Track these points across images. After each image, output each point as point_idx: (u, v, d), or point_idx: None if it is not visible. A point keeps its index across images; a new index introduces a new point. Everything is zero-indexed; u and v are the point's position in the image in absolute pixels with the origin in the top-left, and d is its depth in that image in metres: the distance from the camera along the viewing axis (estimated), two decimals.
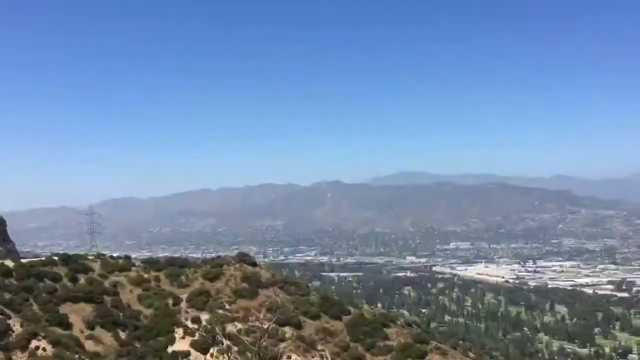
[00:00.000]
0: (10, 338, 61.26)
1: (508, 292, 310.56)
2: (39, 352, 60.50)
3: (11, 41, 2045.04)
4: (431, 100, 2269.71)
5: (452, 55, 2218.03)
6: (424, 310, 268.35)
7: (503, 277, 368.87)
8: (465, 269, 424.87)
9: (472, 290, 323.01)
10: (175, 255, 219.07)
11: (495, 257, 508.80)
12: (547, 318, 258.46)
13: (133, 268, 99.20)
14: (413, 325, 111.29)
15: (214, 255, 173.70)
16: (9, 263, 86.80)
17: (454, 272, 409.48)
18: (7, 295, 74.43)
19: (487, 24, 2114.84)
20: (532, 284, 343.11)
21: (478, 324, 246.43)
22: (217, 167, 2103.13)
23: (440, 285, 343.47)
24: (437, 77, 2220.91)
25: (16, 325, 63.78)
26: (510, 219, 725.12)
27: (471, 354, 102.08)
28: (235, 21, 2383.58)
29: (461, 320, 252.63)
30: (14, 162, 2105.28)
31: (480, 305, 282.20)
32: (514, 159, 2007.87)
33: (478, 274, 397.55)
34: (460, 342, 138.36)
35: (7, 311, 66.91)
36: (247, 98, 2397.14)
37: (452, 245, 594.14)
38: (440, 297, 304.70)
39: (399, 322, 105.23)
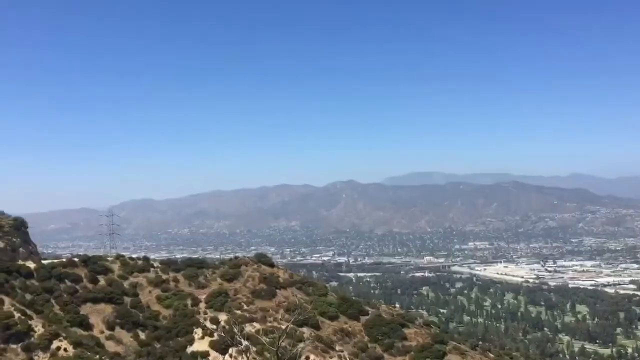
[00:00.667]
0: (32, 338, 62.01)
1: (528, 292, 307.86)
2: (60, 352, 61.17)
3: (21, 41, 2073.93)
4: (443, 99, 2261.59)
5: (466, 55, 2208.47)
6: (442, 311, 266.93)
7: (523, 277, 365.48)
8: (484, 269, 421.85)
9: (491, 290, 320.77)
10: (194, 256, 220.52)
11: (514, 256, 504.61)
12: (568, 318, 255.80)
13: (152, 269, 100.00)
14: (431, 326, 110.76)
15: (232, 256, 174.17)
16: (31, 264, 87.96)
17: (473, 272, 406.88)
18: (28, 296, 75.42)
19: (498, 22, 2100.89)
20: (552, 283, 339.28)
21: (497, 324, 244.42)
22: (232, 168, 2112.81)
23: (459, 285, 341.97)
24: (450, 77, 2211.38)
25: (38, 326, 64.55)
26: (529, 218, 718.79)
27: (490, 355, 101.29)
28: (248, 22, 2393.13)
29: (480, 320, 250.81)
30: (35, 164, 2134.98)
31: (499, 305, 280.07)
32: (528, 158, 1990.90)
33: (497, 273, 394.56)
34: (480, 342, 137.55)
35: (29, 312, 67.76)
36: (262, 99, 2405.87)
37: (470, 244, 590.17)
38: (459, 297, 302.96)
39: (417, 323, 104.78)
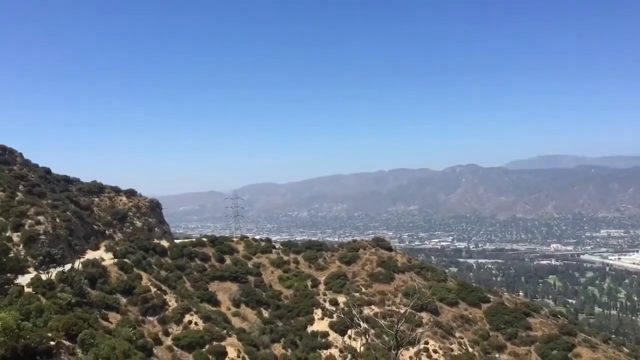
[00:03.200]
0: (167, 312, 66.79)
1: None
2: (192, 326, 65.35)
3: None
4: (573, 80, 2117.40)
5: (607, 35, 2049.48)
6: (570, 301, 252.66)
7: None
8: (619, 258, 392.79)
9: (627, 281, 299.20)
10: (313, 239, 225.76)
11: None
12: None
13: (274, 250, 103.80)
14: (559, 316, 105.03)
15: (350, 239, 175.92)
16: (165, 243, 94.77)
17: (605, 261, 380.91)
18: (163, 273, 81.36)
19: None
20: None
21: (633, 318, 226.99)
22: (350, 152, 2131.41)
23: (589, 274, 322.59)
24: (584, 55, 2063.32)
25: (171, 301, 69.37)
26: None
27: (625, 349, 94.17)
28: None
29: (614, 312, 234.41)
30: (168, 150, 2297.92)
31: (635, 297, 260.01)
32: None
33: (633, 263, 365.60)
34: (613, 336, 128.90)
35: (164, 287, 73.02)
36: (380, 85, 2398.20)
37: (603, 232, 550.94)
38: (590, 287, 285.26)
39: (543, 312, 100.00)
